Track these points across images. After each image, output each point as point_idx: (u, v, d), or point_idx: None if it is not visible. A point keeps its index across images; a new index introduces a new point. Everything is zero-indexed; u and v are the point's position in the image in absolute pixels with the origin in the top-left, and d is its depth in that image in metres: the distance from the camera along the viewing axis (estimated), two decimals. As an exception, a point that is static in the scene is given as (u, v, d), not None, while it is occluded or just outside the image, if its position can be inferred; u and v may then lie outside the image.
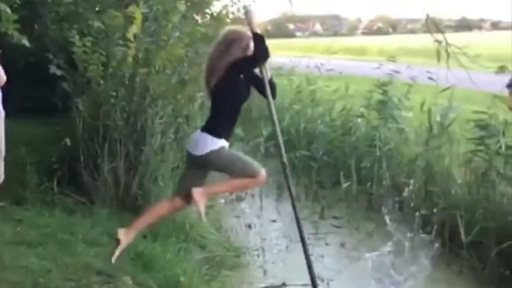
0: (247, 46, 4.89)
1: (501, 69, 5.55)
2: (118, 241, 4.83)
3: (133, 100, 6.77)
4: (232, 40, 4.92)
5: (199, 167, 4.98)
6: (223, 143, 4.92)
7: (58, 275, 4.61)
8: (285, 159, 5.26)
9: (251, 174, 4.96)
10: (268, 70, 5.09)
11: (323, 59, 12.46)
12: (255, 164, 5.02)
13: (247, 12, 4.95)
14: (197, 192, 4.89)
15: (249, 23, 4.87)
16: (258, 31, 4.85)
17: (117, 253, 4.82)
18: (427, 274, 6.13)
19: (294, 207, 5.29)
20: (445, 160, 7.57)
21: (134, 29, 6.42)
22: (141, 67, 6.73)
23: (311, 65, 12.70)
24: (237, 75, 4.95)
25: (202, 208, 4.88)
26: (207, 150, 4.86)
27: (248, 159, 5.07)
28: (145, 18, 6.79)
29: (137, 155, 6.75)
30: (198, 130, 5.06)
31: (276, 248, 6.96)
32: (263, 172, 5.01)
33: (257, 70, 5.05)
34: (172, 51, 6.72)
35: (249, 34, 4.86)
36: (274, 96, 5.26)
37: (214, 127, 4.93)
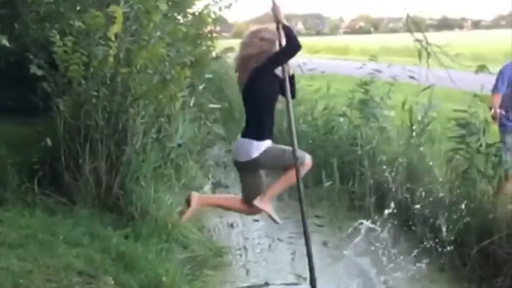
0: (274, 43, 5.02)
1: (481, 68, 5.59)
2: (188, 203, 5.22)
3: (115, 100, 6.74)
4: (260, 38, 5.06)
5: (251, 171, 5.20)
6: (267, 143, 5.12)
7: (39, 276, 4.58)
8: (298, 164, 5.22)
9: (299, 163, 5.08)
10: (290, 66, 5.17)
11: (305, 58, 12.43)
12: (299, 152, 5.17)
13: (273, 6, 5.00)
14: (258, 202, 5.21)
15: (276, 16, 4.95)
16: (286, 22, 4.94)
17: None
18: (409, 271, 6.16)
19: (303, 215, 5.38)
20: (427, 159, 7.60)
21: (115, 28, 6.40)
22: (122, 67, 6.71)
23: (293, 64, 12.67)
24: (269, 73, 5.05)
25: (270, 211, 5.33)
26: (254, 155, 5.04)
27: (291, 149, 5.17)
28: (126, 18, 6.77)
29: (118, 155, 6.73)
30: (240, 138, 5.19)
31: (258, 247, 6.97)
32: (308, 157, 5.25)
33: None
34: (153, 50, 6.70)
35: (274, 31, 4.98)
36: (294, 94, 5.32)
37: (254, 131, 5.09)
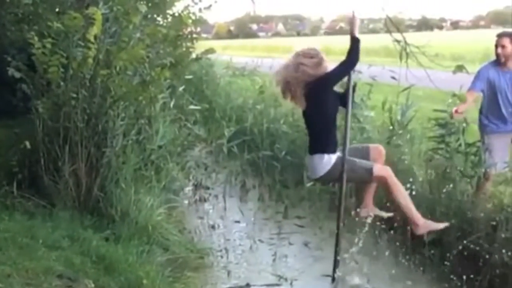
0: (319, 63, 5.35)
1: (459, 69, 5.64)
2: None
3: (94, 102, 6.70)
4: (305, 56, 5.35)
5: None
6: (337, 155, 5.32)
7: (18, 280, 4.54)
8: (344, 175, 5.46)
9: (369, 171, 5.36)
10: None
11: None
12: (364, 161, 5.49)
13: (352, 17, 5.29)
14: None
15: (352, 27, 5.22)
16: (357, 34, 5.22)
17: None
18: (389, 272, 6.18)
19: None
20: (407, 159, 7.62)
21: (94, 30, 6.36)
22: (102, 69, 6.67)
23: (274, 65, 12.70)
24: (329, 89, 5.35)
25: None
26: (325, 169, 5.27)
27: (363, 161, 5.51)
28: (105, 19, 6.74)
29: (98, 157, 6.70)
30: (308, 155, 5.45)
31: (239, 248, 6.96)
32: (377, 167, 5.46)
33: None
34: (133, 52, 6.68)
35: (317, 51, 5.37)
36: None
37: (322, 145, 5.28)
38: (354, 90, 5.52)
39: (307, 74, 5.35)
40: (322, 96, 5.29)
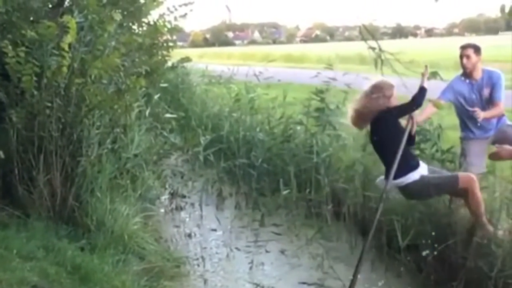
0: (390, 97, 5.82)
1: (433, 75, 5.69)
2: None
3: (69, 111, 6.66)
4: (381, 88, 5.84)
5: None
6: (420, 171, 5.72)
7: (-8, 291, 4.51)
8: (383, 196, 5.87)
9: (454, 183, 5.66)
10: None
11: (262, 67, 12.50)
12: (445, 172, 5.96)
13: (425, 70, 5.86)
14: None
15: (422, 78, 5.82)
16: (426, 85, 5.78)
17: None
18: (365, 278, 6.20)
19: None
20: (382, 165, 7.65)
21: (68, 38, 6.33)
22: (76, 77, 6.63)
23: (250, 73, 12.76)
24: (396, 120, 5.82)
25: None
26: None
27: (440, 170, 6.00)
28: (80, 28, 6.70)
29: (73, 167, 6.66)
30: (382, 178, 5.94)
31: (216, 257, 6.94)
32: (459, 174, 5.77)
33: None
34: (108, 60, 6.65)
35: (391, 85, 5.84)
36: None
37: (397, 170, 5.66)
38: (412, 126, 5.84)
39: (378, 105, 5.83)
40: (389, 127, 5.81)
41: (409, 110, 5.80)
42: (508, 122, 6.76)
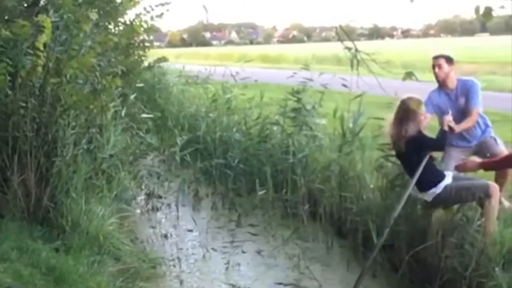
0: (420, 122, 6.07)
1: (408, 76, 5.69)
2: None
3: (44, 111, 6.61)
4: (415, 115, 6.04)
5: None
6: (446, 181, 5.91)
7: (-35, 293, 4.46)
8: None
9: (486, 191, 5.72)
10: None
11: (239, 67, 12.48)
12: (476, 181, 6.01)
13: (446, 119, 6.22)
14: None
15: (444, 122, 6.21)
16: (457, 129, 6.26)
17: None
18: (341, 278, 6.23)
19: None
20: (358, 166, 7.70)
21: (43, 38, 6.28)
22: (51, 77, 6.58)
23: (227, 74, 12.75)
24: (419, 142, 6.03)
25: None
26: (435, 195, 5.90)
27: (468, 178, 6.12)
28: (55, 27, 6.64)
29: (48, 167, 6.60)
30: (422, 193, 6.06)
31: (192, 257, 6.93)
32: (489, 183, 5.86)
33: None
34: (83, 60, 6.60)
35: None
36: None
37: (427, 183, 5.94)
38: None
39: (409, 131, 6.01)
40: (418, 152, 5.98)
41: (433, 147, 6.15)
42: (492, 135, 6.81)
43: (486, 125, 6.75)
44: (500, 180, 6.19)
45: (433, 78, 6.82)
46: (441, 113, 6.63)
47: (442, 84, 6.75)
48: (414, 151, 5.98)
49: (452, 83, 6.71)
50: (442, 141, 6.18)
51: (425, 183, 5.94)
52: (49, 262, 5.37)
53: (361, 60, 5.58)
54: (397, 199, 6.12)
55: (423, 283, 5.77)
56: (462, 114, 6.59)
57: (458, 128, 6.37)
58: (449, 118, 6.29)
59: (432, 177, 5.95)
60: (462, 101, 6.65)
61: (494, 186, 5.75)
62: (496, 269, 5.10)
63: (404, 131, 5.99)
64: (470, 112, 6.57)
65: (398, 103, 6.15)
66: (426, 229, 6.06)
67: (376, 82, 5.65)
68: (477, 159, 6.08)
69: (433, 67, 6.75)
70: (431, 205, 6.08)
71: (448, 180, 5.94)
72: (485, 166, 5.86)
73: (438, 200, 5.95)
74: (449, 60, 6.71)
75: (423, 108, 6.20)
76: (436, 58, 6.74)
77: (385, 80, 5.50)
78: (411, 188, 5.98)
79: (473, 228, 5.62)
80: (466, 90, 6.65)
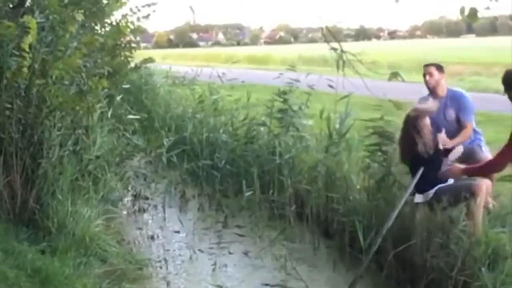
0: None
1: (394, 76, 5.70)
2: None
3: (30, 112, 6.58)
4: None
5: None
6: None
7: (-50, 296, 4.44)
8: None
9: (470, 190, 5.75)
10: None
11: (226, 68, 12.48)
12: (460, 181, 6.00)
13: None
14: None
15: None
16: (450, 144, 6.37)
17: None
18: (327, 279, 6.24)
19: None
20: (345, 167, 7.71)
21: (29, 39, 6.25)
22: (37, 78, 6.55)
23: (214, 75, 12.74)
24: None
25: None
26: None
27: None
28: (41, 28, 6.62)
29: (34, 168, 6.58)
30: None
31: (179, 259, 6.92)
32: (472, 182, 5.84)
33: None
34: (69, 61, 6.58)
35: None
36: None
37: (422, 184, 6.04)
38: None
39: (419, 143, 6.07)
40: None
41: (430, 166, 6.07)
42: (480, 143, 6.86)
43: (476, 133, 6.84)
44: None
45: (419, 78, 6.88)
46: (430, 120, 6.69)
47: (432, 91, 6.83)
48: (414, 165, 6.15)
49: (442, 91, 6.81)
50: (437, 160, 6.14)
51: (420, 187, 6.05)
52: (35, 264, 5.35)
53: (347, 61, 5.60)
54: (392, 207, 6.13)
55: (409, 283, 5.78)
56: (449, 124, 6.66)
57: (451, 143, 6.43)
58: (442, 136, 6.34)
59: (426, 182, 6.01)
60: (452, 113, 6.73)
61: (478, 186, 5.76)
62: (483, 269, 5.12)
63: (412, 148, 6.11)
64: (463, 126, 6.67)
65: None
66: (411, 229, 6.08)
67: (362, 83, 5.67)
68: (460, 166, 6.10)
69: (424, 75, 6.88)
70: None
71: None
72: (468, 172, 5.91)
73: (430, 202, 6.01)
74: (440, 68, 6.86)
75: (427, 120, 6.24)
76: (427, 66, 6.90)
77: (372, 81, 5.52)
78: (405, 198, 6.06)
79: (458, 228, 5.63)
80: (456, 103, 6.75)
